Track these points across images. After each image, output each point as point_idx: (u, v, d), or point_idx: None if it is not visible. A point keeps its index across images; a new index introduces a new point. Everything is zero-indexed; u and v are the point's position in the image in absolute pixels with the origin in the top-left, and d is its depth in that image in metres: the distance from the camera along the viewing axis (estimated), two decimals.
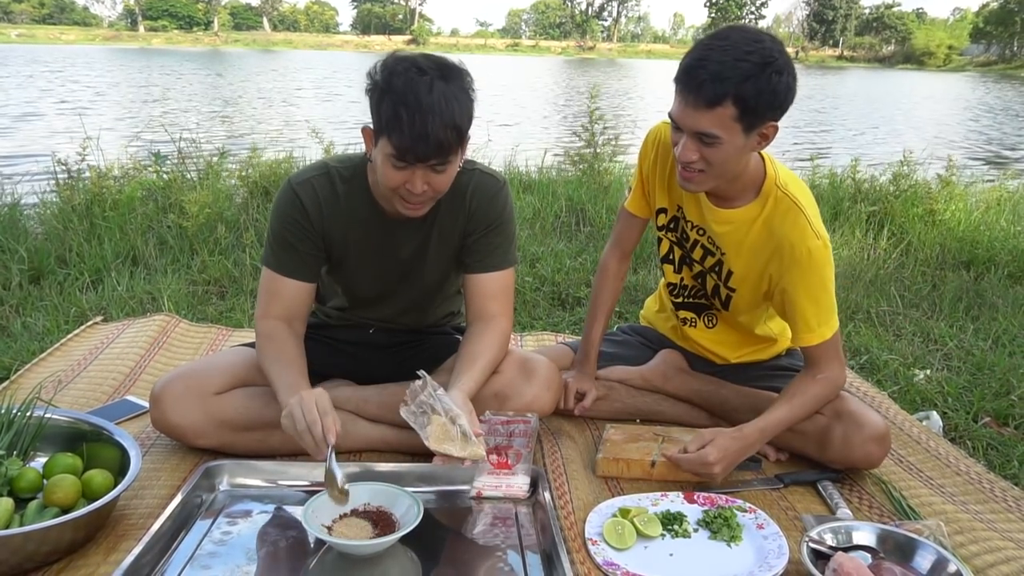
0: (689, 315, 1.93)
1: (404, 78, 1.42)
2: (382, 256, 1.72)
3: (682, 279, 1.89)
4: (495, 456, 1.58)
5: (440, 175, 1.48)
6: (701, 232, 1.76)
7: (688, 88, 1.45)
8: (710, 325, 1.92)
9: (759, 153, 1.65)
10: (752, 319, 1.86)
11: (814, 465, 1.76)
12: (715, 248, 1.75)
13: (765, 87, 1.42)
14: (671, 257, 1.88)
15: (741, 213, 1.67)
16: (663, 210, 1.83)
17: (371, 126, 1.50)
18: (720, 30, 1.50)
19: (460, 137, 1.46)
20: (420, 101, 1.39)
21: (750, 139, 1.50)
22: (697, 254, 1.80)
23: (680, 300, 1.92)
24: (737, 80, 1.40)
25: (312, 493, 1.45)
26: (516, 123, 12.16)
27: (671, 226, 1.83)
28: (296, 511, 1.45)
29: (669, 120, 1.55)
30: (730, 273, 1.75)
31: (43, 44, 49.99)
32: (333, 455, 1.39)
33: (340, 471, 1.39)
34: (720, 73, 1.41)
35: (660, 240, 1.88)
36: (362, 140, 1.58)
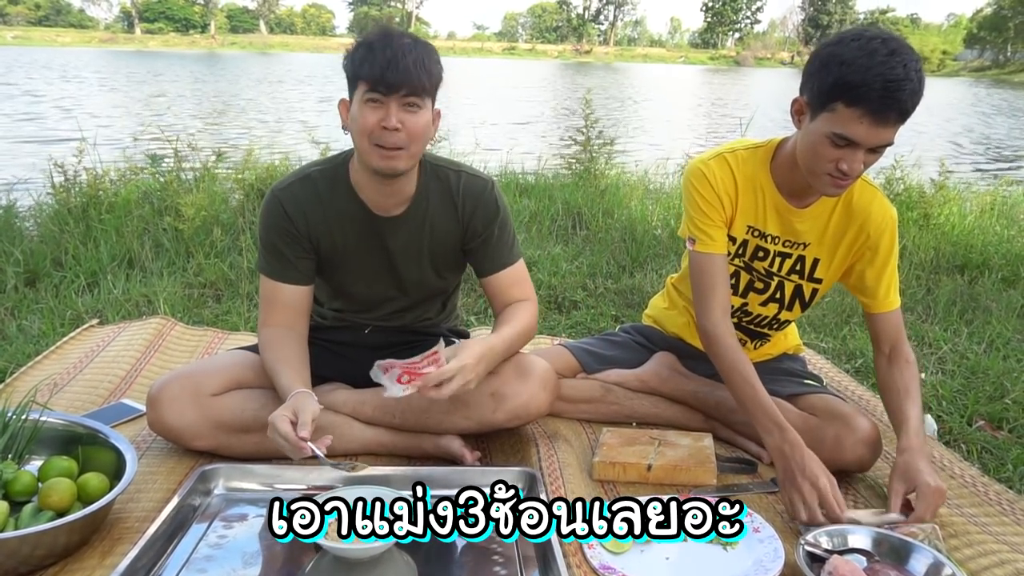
0: (740, 336, 1.89)
1: (375, 31, 1.55)
2: (371, 253, 1.73)
3: (745, 304, 1.88)
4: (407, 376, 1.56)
5: (413, 116, 1.53)
6: (776, 240, 1.78)
7: (889, 107, 1.43)
8: (756, 348, 1.96)
9: None
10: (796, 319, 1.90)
11: None
12: (794, 247, 1.78)
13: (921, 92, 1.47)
14: (735, 283, 1.85)
15: (821, 205, 1.73)
16: (732, 238, 1.80)
17: (347, 98, 1.58)
18: (878, 38, 1.46)
19: (429, 78, 1.53)
20: (391, 39, 1.51)
21: None
22: (775, 265, 1.81)
23: (734, 322, 1.83)
24: (919, 89, 1.45)
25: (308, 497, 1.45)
26: (513, 126, 12.17)
27: (740, 252, 1.82)
28: None
29: (837, 138, 1.49)
30: (815, 263, 1.79)
31: (39, 46, 49.90)
32: (319, 451, 1.44)
33: (331, 463, 1.49)
34: (917, 90, 1.44)
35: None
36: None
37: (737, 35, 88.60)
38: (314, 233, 1.68)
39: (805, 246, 1.77)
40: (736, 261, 1.83)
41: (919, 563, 1.35)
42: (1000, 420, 2.24)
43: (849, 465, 1.71)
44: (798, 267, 1.79)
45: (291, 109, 14.23)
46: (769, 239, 1.78)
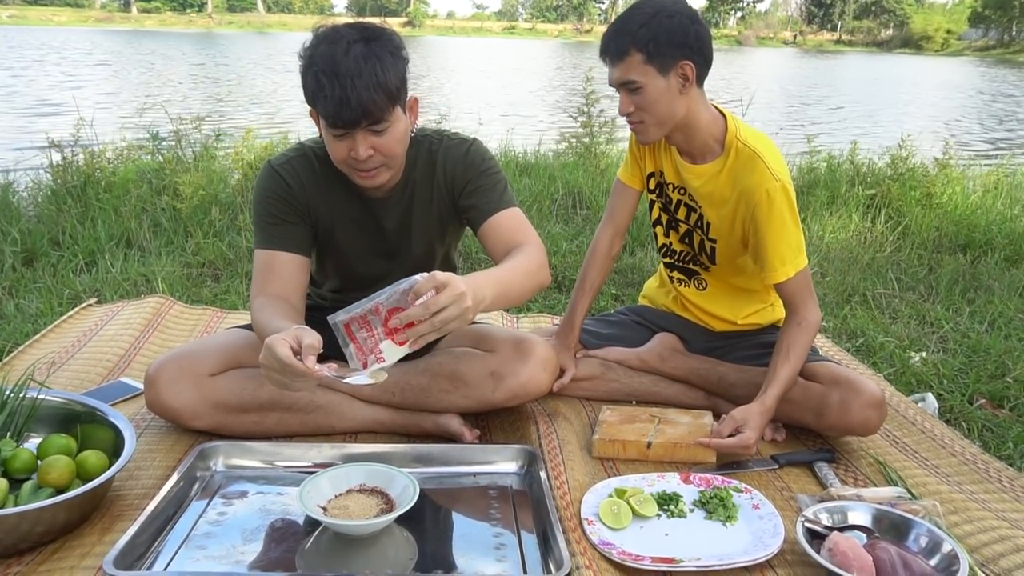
0: (681, 276, 2.02)
1: (324, 47, 1.44)
2: (367, 232, 1.72)
3: (670, 243, 1.98)
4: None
5: (382, 137, 1.48)
6: (682, 191, 1.87)
7: (603, 51, 1.70)
8: (700, 288, 1.99)
9: (723, 113, 1.78)
10: (741, 273, 1.91)
11: (811, 435, 1.78)
12: (695, 204, 1.85)
13: (659, 28, 1.63)
14: (660, 221, 1.98)
15: (709, 168, 1.79)
16: (652, 174, 1.93)
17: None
18: None
19: (389, 96, 1.44)
20: (337, 66, 1.41)
21: (671, 80, 1.66)
22: (681, 213, 1.91)
23: (670, 262, 2.02)
24: (633, 29, 1.64)
25: (308, 474, 1.45)
26: (513, 106, 12.10)
27: (657, 191, 1.94)
28: (292, 492, 1.45)
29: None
30: (708, 225, 1.85)
31: (35, 26, 49.48)
32: (325, 368, 1.28)
33: (344, 375, 1.30)
34: (620, 29, 1.66)
35: (652, 204, 1.98)
36: None
37: (739, 14, 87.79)
38: (312, 204, 1.66)
39: (700, 207, 1.85)
40: (658, 200, 1.95)
41: (919, 539, 1.35)
42: (1001, 398, 2.24)
43: (855, 428, 1.71)
44: (699, 223, 1.87)
45: (289, 88, 14.13)
46: (672, 187, 1.89)
